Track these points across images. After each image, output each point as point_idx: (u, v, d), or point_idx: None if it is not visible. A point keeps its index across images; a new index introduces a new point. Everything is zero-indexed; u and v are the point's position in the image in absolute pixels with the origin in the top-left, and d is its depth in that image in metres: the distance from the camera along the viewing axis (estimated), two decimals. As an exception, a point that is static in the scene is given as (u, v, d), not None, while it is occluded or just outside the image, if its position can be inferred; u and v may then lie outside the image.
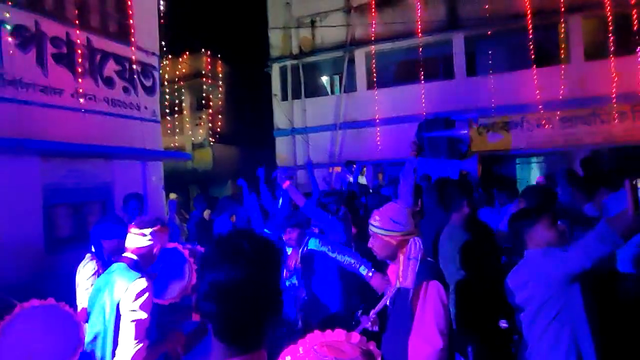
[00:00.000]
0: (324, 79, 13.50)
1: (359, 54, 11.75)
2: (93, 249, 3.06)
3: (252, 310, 0.91)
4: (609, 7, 9.29)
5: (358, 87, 11.86)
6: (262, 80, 13.15)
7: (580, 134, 9.82)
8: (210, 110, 13.85)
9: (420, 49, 10.86)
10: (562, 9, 9.70)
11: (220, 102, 14.07)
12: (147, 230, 2.42)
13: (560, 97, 9.73)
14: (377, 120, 11.41)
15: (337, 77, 13.64)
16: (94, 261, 3.02)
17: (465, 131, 8.41)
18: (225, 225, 6.62)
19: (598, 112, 9.58)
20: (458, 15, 10.65)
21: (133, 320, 2.14)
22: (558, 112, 9.82)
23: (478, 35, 10.50)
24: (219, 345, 0.92)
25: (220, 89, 14.09)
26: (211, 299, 0.90)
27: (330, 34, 12.00)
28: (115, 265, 2.39)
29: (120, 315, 2.18)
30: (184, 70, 13.89)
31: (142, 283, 2.22)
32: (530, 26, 9.89)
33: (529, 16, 9.89)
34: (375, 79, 11.49)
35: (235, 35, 13.39)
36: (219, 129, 13.87)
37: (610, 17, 9.33)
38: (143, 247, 2.41)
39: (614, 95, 9.36)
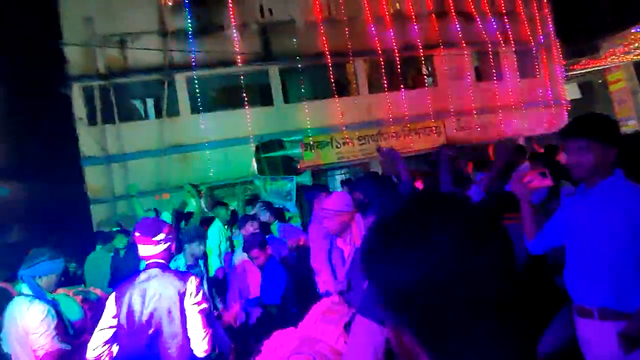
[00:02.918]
0: (136, 103, 12.62)
1: (180, 78, 11.62)
2: (26, 290, 2.77)
3: None
4: (380, 54, 12.46)
5: (181, 111, 11.70)
6: (56, 102, 11.22)
7: (371, 149, 12.62)
8: (-22, 138, 10.86)
9: (242, 77, 11.72)
10: (350, 53, 12.38)
11: (-7, 128, 11.17)
12: (160, 237, 2.59)
13: (357, 121, 12.36)
14: (206, 144, 11.56)
15: (150, 100, 12.98)
16: (39, 302, 2.72)
17: (298, 150, 9.70)
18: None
19: (382, 132, 12.64)
20: (272, 50, 12.05)
21: (200, 312, 2.44)
22: (356, 133, 12.42)
23: (290, 68, 12.15)
24: None
25: (-9, 111, 11.21)
26: None
27: (144, 56, 11.43)
28: (144, 275, 2.52)
29: (180, 310, 2.43)
30: None
31: (196, 280, 2.53)
32: (330, 64, 12.19)
33: (328, 55, 12.18)
34: (199, 104, 11.63)
35: (9, 46, 10.98)
36: (-5, 162, 10.97)
37: (382, 62, 12.53)
38: (163, 250, 2.60)
39: (390, 119, 12.58)
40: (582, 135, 2.00)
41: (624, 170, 2.05)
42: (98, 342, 2.44)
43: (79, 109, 11.11)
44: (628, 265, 1.95)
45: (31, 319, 2.63)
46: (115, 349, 2.48)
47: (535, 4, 14.67)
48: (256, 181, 9.79)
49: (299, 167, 10.78)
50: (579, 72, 17.45)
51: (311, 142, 12.22)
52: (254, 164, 8.96)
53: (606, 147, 1.98)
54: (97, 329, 2.47)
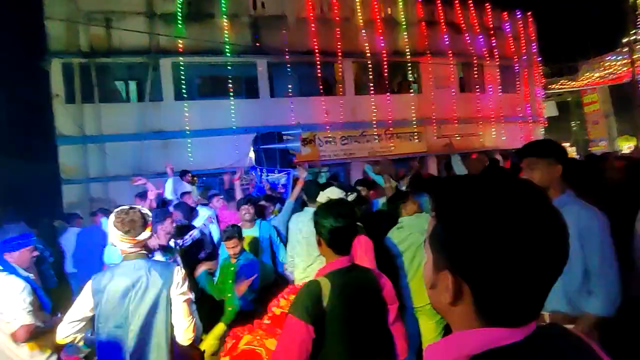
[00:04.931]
0: (118, 84, 12.31)
1: (165, 63, 11.42)
2: None
3: None
4: (369, 57, 12.57)
5: (165, 97, 11.49)
6: (34, 76, 10.84)
7: (353, 149, 12.77)
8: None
9: (229, 67, 11.61)
10: (339, 53, 12.44)
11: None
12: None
13: (340, 121, 12.43)
14: (187, 132, 11.40)
15: (133, 83, 12.70)
16: (15, 276, 2.71)
17: (297, 144, 9.59)
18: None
19: (365, 133, 12.75)
20: (262, 43, 11.98)
21: (184, 301, 2.47)
22: (339, 132, 12.49)
23: (278, 63, 12.11)
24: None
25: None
26: None
27: (130, 37, 11.17)
28: (127, 264, 2.51)
29: (166, 300, 2.44)
30: None
31: (181, 270, 2.54)
32: (318, 62, 12.22)
33: (317, 54, 12.21)
34: (184, 90, 11.45)
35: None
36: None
37: (370, 65, 12.65)
38: (146, 239, 2.60)
39: (374, 122, 12.70)
40: (536, 154, 2.34)
41: (574, 190, 2.37)
42: (69, 331, 2.37)
43: (57, 85, 10.76)
44: (577, 273, 2.25)
45: (7, 293, 2.61)
46: (82, 334, 2.42)
47: (521, 23, 15.11)
48: (252, 171, 9.67)
49: (295, 160, 10.73)
50: (557, 91, 18.05)
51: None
52: (252, 154, 8.89)
53: (555, 164, 2.31)
54: (68, 319, 2.36)
